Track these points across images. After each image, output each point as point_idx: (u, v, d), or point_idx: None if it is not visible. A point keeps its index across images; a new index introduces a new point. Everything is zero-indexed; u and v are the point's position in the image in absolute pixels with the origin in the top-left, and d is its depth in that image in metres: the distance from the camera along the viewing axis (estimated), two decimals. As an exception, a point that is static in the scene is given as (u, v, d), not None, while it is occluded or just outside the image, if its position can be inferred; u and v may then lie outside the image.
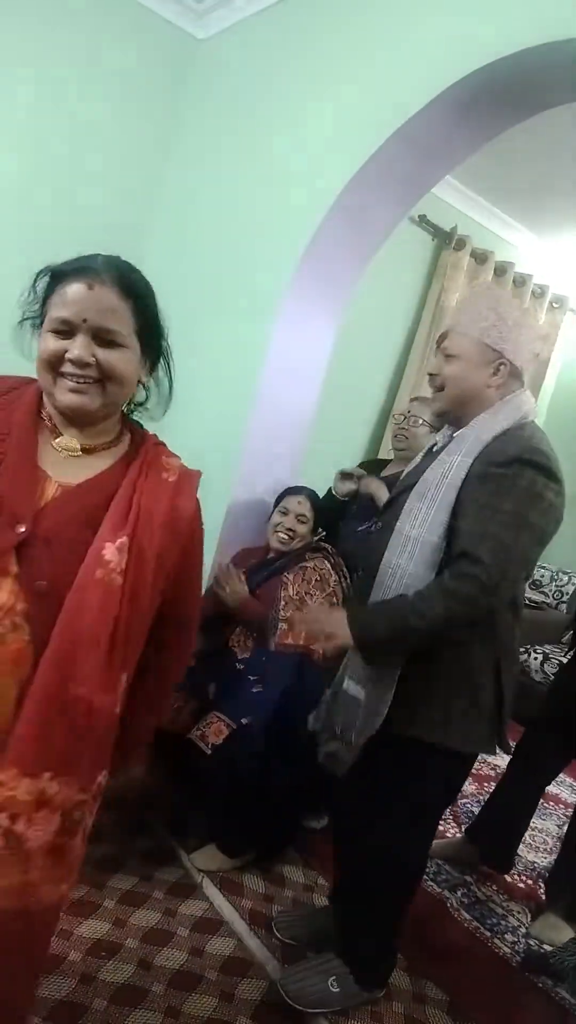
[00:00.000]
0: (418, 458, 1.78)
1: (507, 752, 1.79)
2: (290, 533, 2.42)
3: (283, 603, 2.26)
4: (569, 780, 3.37)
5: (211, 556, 2.62)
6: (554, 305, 4.70)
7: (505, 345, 1.57)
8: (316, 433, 2.82)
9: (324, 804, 2.47)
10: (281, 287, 2.56)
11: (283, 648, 2.20)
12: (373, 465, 2.83)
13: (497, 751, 1.64)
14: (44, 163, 3.03)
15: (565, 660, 2.63)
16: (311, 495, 2.50)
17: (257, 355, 2.60)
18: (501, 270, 4.36)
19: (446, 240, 4.17)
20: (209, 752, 2.04)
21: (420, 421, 2.58)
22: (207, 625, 2.48)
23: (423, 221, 4.06)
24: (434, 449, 1.69)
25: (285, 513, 2.45)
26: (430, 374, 1.73)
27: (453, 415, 1.64)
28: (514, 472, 1.45)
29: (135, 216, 3.28)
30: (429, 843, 1.78)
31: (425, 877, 2.24)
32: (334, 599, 2.28)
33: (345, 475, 2.63)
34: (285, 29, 2.82)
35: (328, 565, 2.35)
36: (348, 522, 2.59)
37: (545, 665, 3.89)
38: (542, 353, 4.72)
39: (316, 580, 2.30)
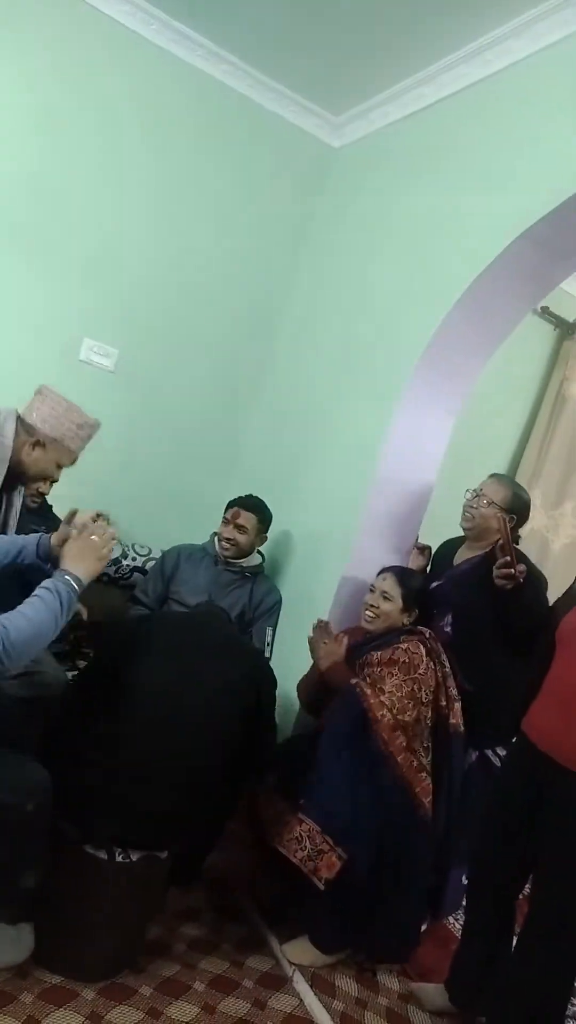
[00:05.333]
0: None
1: None
2: (374, 610, 2.38)
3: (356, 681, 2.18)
4: None
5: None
6: None
7: None
8: (430, 520, 2.82)
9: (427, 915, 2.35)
10: (404, 375, 2.63)
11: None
12: (451, 543, 2.74)
13: None
14: (185, 258, 3.30)
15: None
16: (400, 572, 2.44)
17: (378, 437, 2.67)
18: (625, 360, 4.28)
19: (569, 331, 4.15)
20: (323, 887, 1.93)
21: (487, 501, 2.47)
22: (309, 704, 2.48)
23: (545, 313, 4.08)
24: None
25: (372, 591, 2.43)
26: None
27: None
28: None
29: (269, 305, 3.50)
30: None
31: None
32: (415, 685, 2.14)
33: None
34: (417, 139, 2.99)
35: (422, 650, 2.21)
36: None
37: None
38: None
39: (404, 663, 2.16)
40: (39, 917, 1.79)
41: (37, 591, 1.62)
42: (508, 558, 2.08)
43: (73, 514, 1.81)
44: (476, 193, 2.57)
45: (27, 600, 1.60)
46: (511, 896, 1.97)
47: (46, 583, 1.63)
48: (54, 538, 1.80)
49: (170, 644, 1.95)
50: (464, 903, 2.13)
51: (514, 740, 2.02)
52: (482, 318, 2.57)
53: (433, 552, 2.79)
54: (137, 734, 1.79)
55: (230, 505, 2.84)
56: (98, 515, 1.77)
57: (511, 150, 2.46)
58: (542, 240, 2.34)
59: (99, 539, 1.71)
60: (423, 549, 2.71)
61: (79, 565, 1.66)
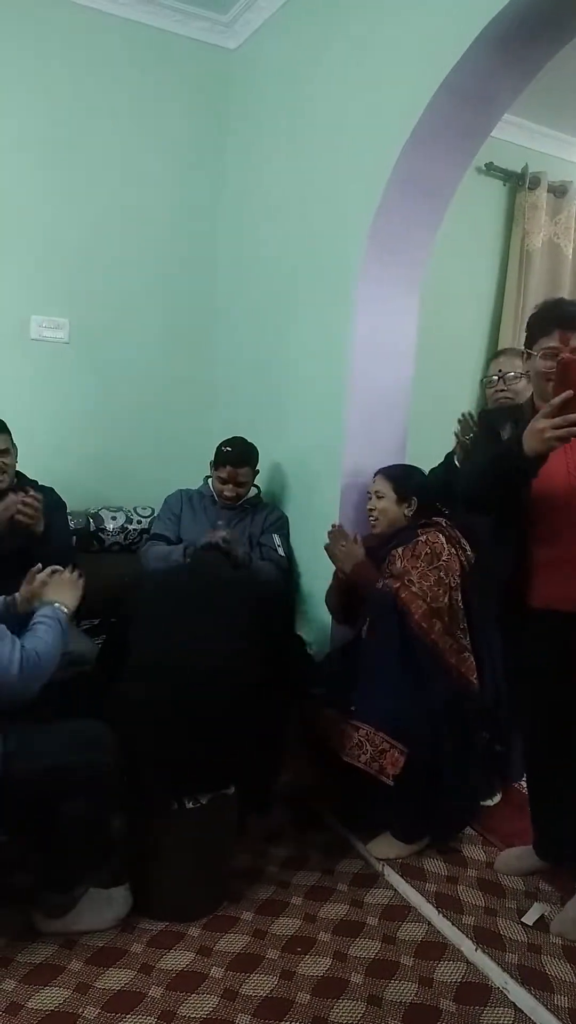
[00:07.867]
0: None
1: None
2: (373, 513, 2.39)
3: (383, 582, 2.18)
4: None
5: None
6: None
7: None
8: (417, 407, 2.76)
9: (497, 782, 2.42)
10: (355, 263, 2.53)
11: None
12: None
13: None
14: (114, 210, 3.17)
15: None
16: (387, 469, 2.43)
17: (344, 337, 2.59)
18: (585, 198, 4.10)
19: (519, 182, 3.96)
20: (391, 783, 1.98)
21: (513, 374, 2.64)
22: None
23: (490, 169, 3.89)
24: None
25: (369, 497, 2.43)
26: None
27: None
28: None
29: (203, 232, 3.36)
30: None
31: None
32: (442, 573, 2.15)
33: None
34: (310, 15, 2.79)
35: (442, 539, 2.21)
36: None
37: None
38: None
39: (426, 554, 2.17)
40: (131, 874, 1.88)
41: (38, 619, 1.77)
42: None
43: (33, 572, 1.92)
44: (386, 54, 2.41)
45: (32, 629, 1.73)
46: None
47: (44, 611, 1.79)
48: (20, 597, 1.91)
49: (169, 611, 1.99)
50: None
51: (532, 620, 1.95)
52: (421, 184, 2.43)
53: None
54: (164, 700, 1.82)
55: (221, 461, 2.75)
56: (53, 571, 1.92)
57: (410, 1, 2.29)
58: (460, 90, 2.20)
59: (69, 576, 1.92)
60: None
61: (64, 596, 1.86)
